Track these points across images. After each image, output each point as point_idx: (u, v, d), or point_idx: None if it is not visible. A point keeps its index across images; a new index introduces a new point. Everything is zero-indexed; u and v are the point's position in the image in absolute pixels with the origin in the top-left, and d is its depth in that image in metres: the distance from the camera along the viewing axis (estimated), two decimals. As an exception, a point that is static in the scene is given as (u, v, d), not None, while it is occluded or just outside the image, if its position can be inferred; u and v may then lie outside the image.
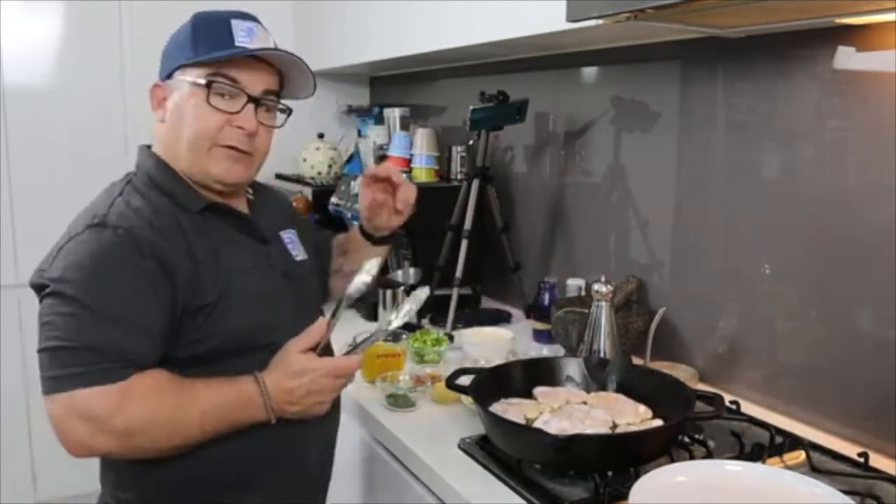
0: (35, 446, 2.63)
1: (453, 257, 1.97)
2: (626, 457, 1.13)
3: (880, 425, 1.27)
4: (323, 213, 2.36)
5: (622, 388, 1.34)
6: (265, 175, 1.87)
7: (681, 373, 1.49)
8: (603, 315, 1.45)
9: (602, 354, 1.44)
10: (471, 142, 2.20)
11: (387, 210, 1.38)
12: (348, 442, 1.46)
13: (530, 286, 2.05)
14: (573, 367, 1.39)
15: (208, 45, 1.11)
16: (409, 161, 2.26)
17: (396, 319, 1.16)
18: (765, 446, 1.24)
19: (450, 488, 1.18)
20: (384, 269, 2.21)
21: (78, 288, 1.02)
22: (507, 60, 2.18)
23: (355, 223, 1.49)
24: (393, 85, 2.93)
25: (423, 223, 2.08)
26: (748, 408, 1.44)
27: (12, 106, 2.53)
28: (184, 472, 1.10)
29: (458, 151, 2.27)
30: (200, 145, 1.13)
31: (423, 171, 2.24)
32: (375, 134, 2.60)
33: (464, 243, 1.96)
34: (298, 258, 1.29)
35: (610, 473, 1.11)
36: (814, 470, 1.18)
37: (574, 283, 1.90)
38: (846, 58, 1.31)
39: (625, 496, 0.99)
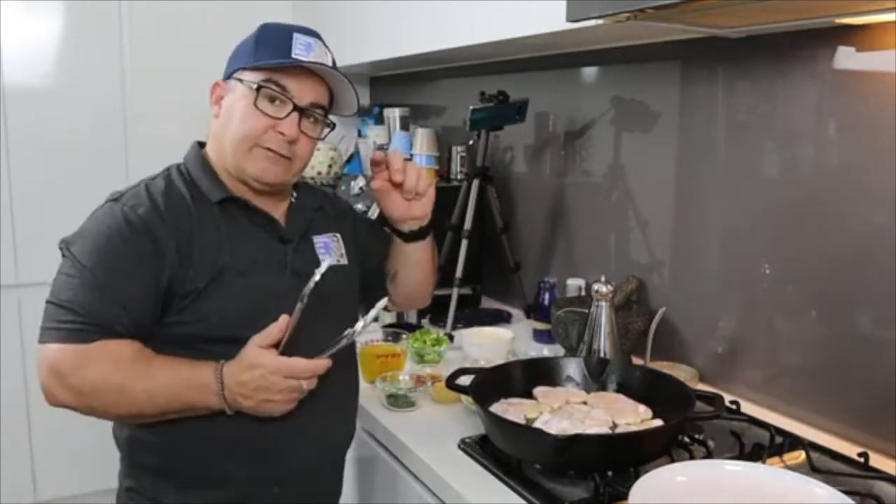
0: (35, 446, 2.63)
1: (453, 257, 1.97)
2: (626, 457, 1.13)
3: (880, 425, 1.27)
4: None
5: (622, 388, 1.34)
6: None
7: (681, 373, 1.49)
8: (603, 315, 1.45)
9: (602, 354, 1.44)
10: (471, 142, 2.20)
11: (399, 200, 1.31)
12: (348, 442, 1.46)
13: (530, 286, 2.05)
14: (573, 367, 1.39)
15: (267, 52, 1.17)
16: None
17: (361, 326, 1.15)
18: (765, 446, 1.24)
19: (450, 488, 1.18)
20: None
21: (77, 250, 1.12)
22: (507, 60, 2.18)
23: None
24: (393, 85, 2.92)
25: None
26: (748, 408, 1.44)
27: (12, 106, 2.53)
28: (162, 457, 1.17)
29: (458, 151, 2.27)
30: (243, 144, 1.18)
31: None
32: (375, 134, 2.60)
33: (464, 243, 1.96)
34: (333, 262, 1.26)
35: (610, 473, 1.11)
36: (814, 470, 1.18)
37: (574, 283, 1.90)
38: (846, 58, 1.31)
39: (625, 496, 0.99)
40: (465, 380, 1.31)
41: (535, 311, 1.97)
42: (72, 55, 2.60)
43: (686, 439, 1.25)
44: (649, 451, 1.14)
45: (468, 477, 1.19)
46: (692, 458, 1.18)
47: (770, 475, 1.03)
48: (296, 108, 1.17)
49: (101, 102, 2.65)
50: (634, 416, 1.23)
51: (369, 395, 1.51)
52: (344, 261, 1.31)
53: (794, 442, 1.27)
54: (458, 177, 2.24)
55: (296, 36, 1.18)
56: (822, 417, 1.37)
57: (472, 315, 2.06)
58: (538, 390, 1.33)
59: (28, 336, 2.59)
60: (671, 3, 1.07)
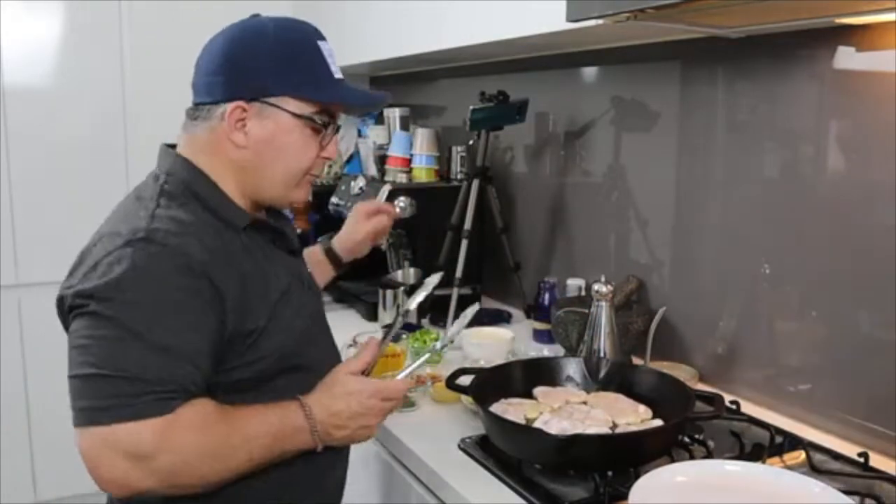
0: (35, 446, 2.64)
1: (453, 257, 1.97)
2: (626, 457, 1.13)
3: (880, 425, 1.27)
4: (323, 213, 2.36)
5: (622, 388, 1.34)
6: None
7: (681, 373, 1.49)
8: (603, 315, 1.45)
9: (602, 354, 1.44)
10: (471, 142, 2.20)
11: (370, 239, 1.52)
12: (348, 442, 1.46)
13: (530, 286, 2.05)
14: (573, 367, 1.39)
15: (312, 78, 1.07)
16: (409, 161, 2.26)
17: (453, 331, 1.22)
18: (765, 446, 1.24)
19: (450, 488, 1.18)
20: (385, 270, 2.23)
21: (119, 308, 0.92)
22: (507, 60, 2.18)
23: (319, 243, 1.53)
24: (393, 85, 2.92)
25: (423, 223, 2.09)
26: (748, 408, 1.43)
27: (12, 106, 2.53)
28: None
29: (458, 151, 2.27)
30: (294, 178, 1.11)
31: (423, 171, 2.24)
32: (375, 134, 2.59)
33: (464, 243, 1.96)
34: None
35: (610, 473, 1.11)
36: (814, 470, 1.18)
37: (574, 283, 1.90)
38: (846, 58, 1.31)
39: (625, 496, 0.99)
40: (465, 380, 1.31)
41: (535, 311, 1.97)
42: (72, 55, 2.61)
43: (686, 439, 1.25)
44: (649, 451, 1.14)
45: (468, 477, 1.19)
46: (692, 458, 1.18)
47: (770, 475, 1.03)
48: (337, 129, 1.14)
49: (101, 102, 2.65)
50: (634, 416, 1.23)
51: (369, 395, 1.50)
52: None
53: (794, 442, 1.27)
54: (458, 177, 2.24)
55: (322, 46, 1.09)
56: (822, 417, 1.37)
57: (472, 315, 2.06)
58: (538, 390, 1.33)
59: (28, 336, 2.60)
60: (671, 3, 1.07)
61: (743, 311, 1.54)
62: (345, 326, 1.62)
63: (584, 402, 1.29)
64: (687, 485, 1.01)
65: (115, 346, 0.92)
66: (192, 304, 0.96)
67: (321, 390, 1.07)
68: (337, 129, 1.14)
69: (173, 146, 1.11)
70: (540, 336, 1.91)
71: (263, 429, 1.00)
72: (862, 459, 1.22)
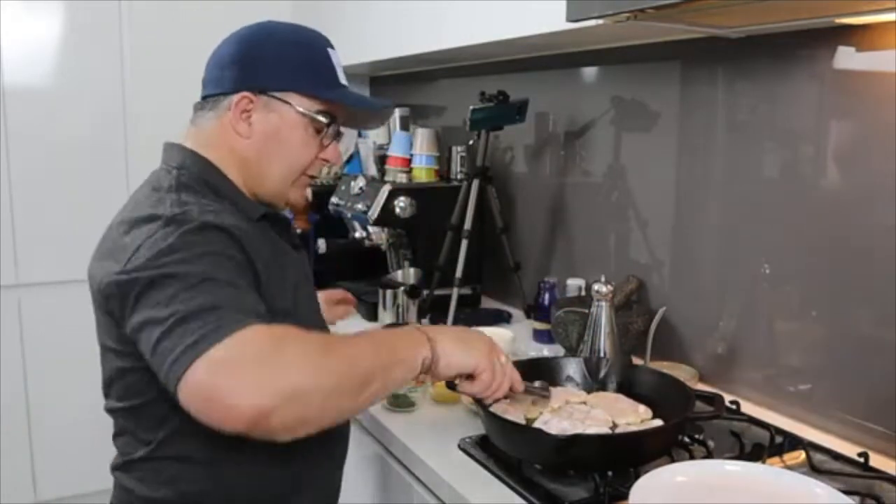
0: (35, 446, 2.64)
1: (453, 257, 1.97)
2: (626, 457, 1.13)
3: (880, 425, 1.27)
4: (323, 213, 2.36)
5: (622, 388, 1.33)
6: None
7: (681, 373, 1.49)
8: (603, 315, 1.45)
9: (602, 354, 1.44)
10: (471, 142, 2.20)
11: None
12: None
13: (530, 286, 2.05)
14: (573, 367, 1.39)
15: (318, 78, 1.11)
16: (409, 161, 2.26)
17: None
18: (765, 446, 1.24)
19: (450, 488, 1.18)
20: (385, 270, 2.23)
21: (177, 265, 0.90)
22: (507, 60, 2.18)
23: None
24: (393, 85, 2.92)
25: (423, 223, 2.09)
26: (748, 408, 1.43)
27: (12, 106, 2.53)
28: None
29: (458, 151, 2.27)
30: (292, 175, 1.13)
31: (423, 171, 2.24)
32: (375, 134, 2.59)
33: (464, 243, 1.96)
34: None
35: (610, 473, 1.11)
36: (814, 470, 1.18)
37: (574, 283, 1.90)
38: (846, 58, 1.31)
39: (625, 496, 0.98)
40: (465, 380, 1.31)
41: (535, 311, 1.97)
42: (72, 55, 2.61)
43: (686, 439, 1.25)
44: (649, 451, 1.14)
45: (468, 477, 1.19)
46: (692, 458, 1.18)
47: (770, 475, 1.03)
48: (339, 134, 1.17)
49: (101, 102, 2.65)
50: (634, 416, 1.23)
51: (369, 395, 1.50)
52: None
53: (794, 442, 1.27)
54: (458, 177, 2.24)
55: (331, 54, 1.13)
56: (822, 417, 1.37)
57: (472, 315, 2.06)
58: (538, 390, 1.33)
59: (28, 336, 2.60)
60: (671, 3, 1.07)
61: (743, 311, 1.54)
62: (345, 326, 1.62)
63: (584, 402, 1.29)
64: (687, 485, 1.01)
65: (184, 294, 0.87)
66: (238, 263, 0.95)
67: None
68: (338, 134, 1.16)
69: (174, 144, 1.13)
70: (540, 336, 1.91)
71: (373, 335, 1.02)
72: (862, 459, 1.22)
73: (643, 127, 1.76)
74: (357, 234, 2.25)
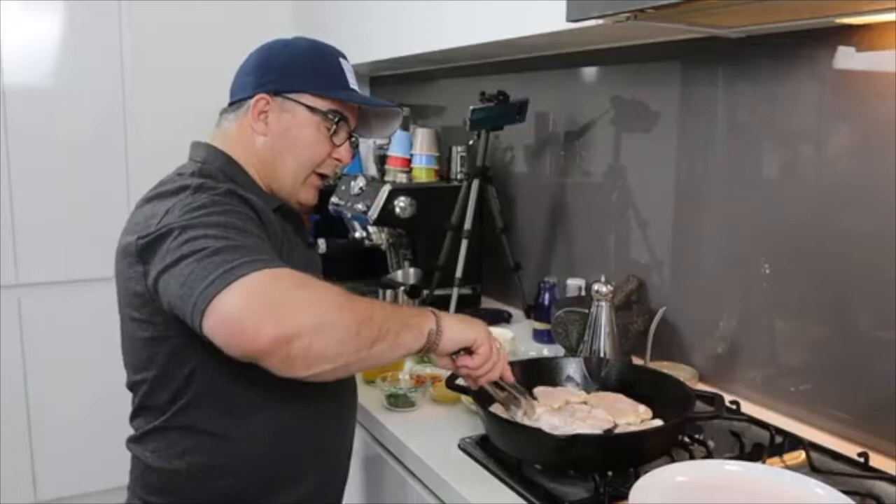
0: (35, 446, 2.63)
1: (453, 257, 1.97)
2: (626, 457, 1.13)
3: (880, 425, 1.27)
4: (323, 213, 2.36)
5: (622, 388, 1.34)
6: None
7: (681, 373, 1.49)
8: (603, 315, 1.45)
9: (602, 354, 1.44)
10: (471, 142, 2.20)
11: None
12: (348, 442, 1.46)
13: (530, 286, 2.05)
14: (573, 367, 1.39)
15: (328, 80, 1.19)
16: (409, 161, 2.26)
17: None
18: (765, 446, 1.24)
19: (450, 488, 1.18)
20: (385, 270, 2.23)
21: (205, 218, 0.96)
22: (507, 60, 2.18)
23: None
24: (393, 85, 2.92)
25: (423, 223, 2.09)
26: (748, 408, 1.43)
27: (12, 106, 2.53)
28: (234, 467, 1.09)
29: (458, 151, 2.27)
30: (303, 171, 1.20)
31: (423, 171, 2.24)
32: (375, 134, 2.59)
33: (464, 243, 1.96)
34: None
35: (610, 473, 1.11)
36: (814, 470, 1.18)
37: (574, 283, 1.90)
38: (846, 58, 1.31)
39: (625, 496, 0.99)
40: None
41: (535, 311, 1.97)
42: (72, 55, 2.60)
43: (686, 439, 1.25)
44: (649, 451, 1.14)
45: (468, 477, 1.19)
46: (692, 458, 1.18)
47: (770, 475, 1.03)
48: (351, 134, 1.23)
49: (101, 102, 2.65)
50: (634, 416, 1.23)
51: (369, 395, 1.51)
52: None
53: (794, 442, 1.27)
54: (458, 177, 2.24)
55: (342, 63, 1.22)
56: (822, 417, 1.37)
57: (472, 315, 2.06)
58: (538, 390, 1.33)
59: (28, 336, 2.60)
60: (671, 3, 1.07)
61: (743, 311, 1.54)
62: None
63: (584, 402, 1.29)
64: (687, 485, 1.01)
65: (219, 233, 0.94)
66: (259, 227, 1.03)
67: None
68: (351, 136, 1.23)
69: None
70: (540, 336, 1.91)
71: (381, 303, 1.10)
72: (862, 459, 1.22)
73: (643, 127, 1.76)
74: (357, 234, 2.24)
